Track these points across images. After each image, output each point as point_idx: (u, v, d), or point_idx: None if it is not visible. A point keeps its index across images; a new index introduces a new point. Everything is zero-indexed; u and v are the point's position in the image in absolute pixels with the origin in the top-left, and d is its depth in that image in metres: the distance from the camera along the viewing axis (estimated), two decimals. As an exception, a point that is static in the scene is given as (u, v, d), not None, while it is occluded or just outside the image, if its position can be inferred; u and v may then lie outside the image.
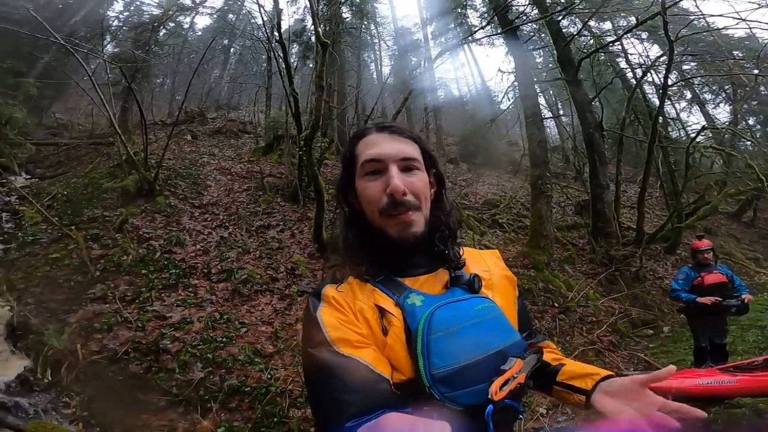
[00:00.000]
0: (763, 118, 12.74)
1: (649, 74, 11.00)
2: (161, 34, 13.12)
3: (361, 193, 0.90)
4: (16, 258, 6.08)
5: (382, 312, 0.83)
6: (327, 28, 8.53)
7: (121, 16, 16.09)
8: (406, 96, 6.16)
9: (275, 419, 3.12)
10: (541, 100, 18.14)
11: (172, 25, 14.44)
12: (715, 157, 11.53)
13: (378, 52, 22.88)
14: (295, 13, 15.55)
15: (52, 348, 3.93)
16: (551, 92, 17.59)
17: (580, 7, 6.42)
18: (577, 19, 8.47)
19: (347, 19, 12.65)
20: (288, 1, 13.30)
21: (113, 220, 6.73)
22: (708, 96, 12.95)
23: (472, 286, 0.89)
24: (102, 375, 3.55)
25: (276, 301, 5.28)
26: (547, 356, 0.98)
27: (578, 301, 7.00)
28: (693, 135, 8.66)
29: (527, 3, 7.16)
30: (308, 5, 9.40)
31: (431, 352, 0.76)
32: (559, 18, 7.24)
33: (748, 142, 11.51)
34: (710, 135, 11.96)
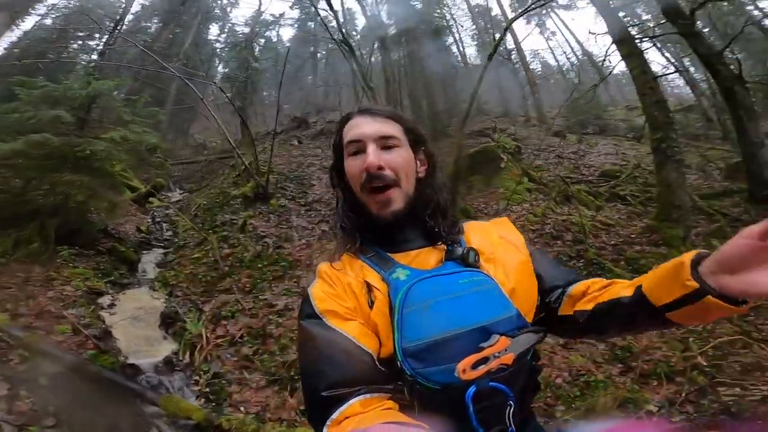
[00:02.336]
0: None
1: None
2: (257, 51, 14.68)
3: (347, 173, 0.94)
4: (171, 260, 7.47)
5: (369, 287, 0.84)
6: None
7: (220, 38, 18.45)
8: (483, 70, 5.77)
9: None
10: (658, 57, 15.50)
11: (263, 41, 16.06)
12: None
13: (458, 34, 22.16)
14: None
15: (190, 333, 4.76)
16: (672, 48, 14.78)
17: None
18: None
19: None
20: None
21: (238, 222, 7.78)
22: None
23: (466, 259, 0.87)
24: (222, 356, 4.17)
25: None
26: (605, 294, 0.84)
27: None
28: None
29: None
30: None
31: (404, 325, 0.76)
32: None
33: None
34: None
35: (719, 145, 10.17)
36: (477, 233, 0.98)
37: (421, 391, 0.72)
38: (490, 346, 0.73)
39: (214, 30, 21.05)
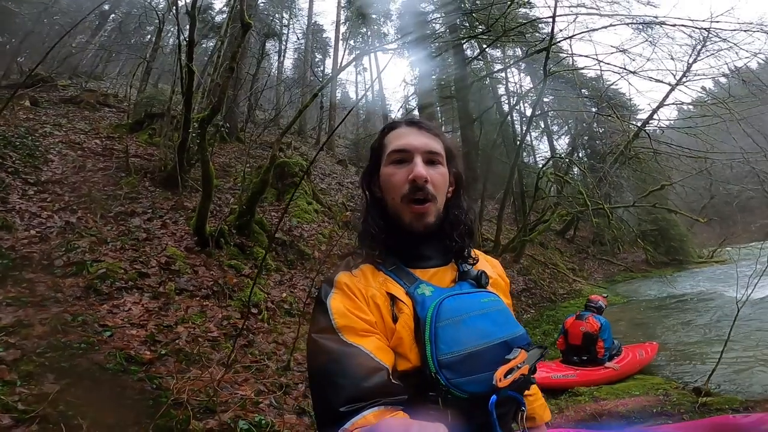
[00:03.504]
0: (590, 151, 16.09)
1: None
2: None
3: (385, 180, 0.93)
4: None
5: (393, 299, 0.86)
6: (236, 9, 7.71)
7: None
8: (315, 92, 5.94)
9: (171, 435, 2.61)
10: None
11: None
12: (553, 181, 13.94)
13: (284, 44, 21.76)
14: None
15: None
16: (437, 109, 19.22)
17: (483, 36, 7.16)
18: (475, 44, 9.38)
19: (262, 4, 11.80)
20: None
21: None
22: (555, 128, 15.75)
23: (480, 281, 0.93)
24: None
25: (147, 300, 4.47)
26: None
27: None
28: (543, 161, 10.29)
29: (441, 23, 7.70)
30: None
31: (438, 338, 0.78)
32: (464, 42, 7.96)
33: (576, 171, 14.23)
34: (550, 163, 14.50)
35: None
36: (481, 258, 1.06)
37: (451, 400, 0.75)
38: (514, 358, 0.80)
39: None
